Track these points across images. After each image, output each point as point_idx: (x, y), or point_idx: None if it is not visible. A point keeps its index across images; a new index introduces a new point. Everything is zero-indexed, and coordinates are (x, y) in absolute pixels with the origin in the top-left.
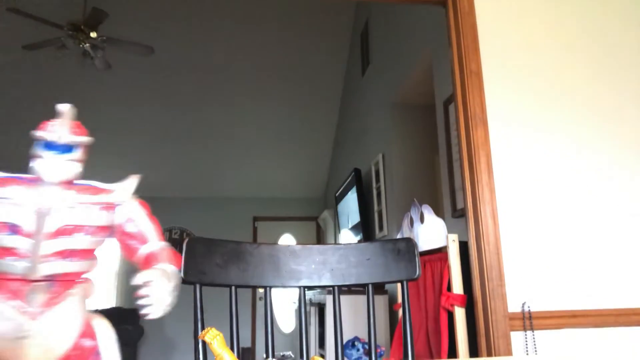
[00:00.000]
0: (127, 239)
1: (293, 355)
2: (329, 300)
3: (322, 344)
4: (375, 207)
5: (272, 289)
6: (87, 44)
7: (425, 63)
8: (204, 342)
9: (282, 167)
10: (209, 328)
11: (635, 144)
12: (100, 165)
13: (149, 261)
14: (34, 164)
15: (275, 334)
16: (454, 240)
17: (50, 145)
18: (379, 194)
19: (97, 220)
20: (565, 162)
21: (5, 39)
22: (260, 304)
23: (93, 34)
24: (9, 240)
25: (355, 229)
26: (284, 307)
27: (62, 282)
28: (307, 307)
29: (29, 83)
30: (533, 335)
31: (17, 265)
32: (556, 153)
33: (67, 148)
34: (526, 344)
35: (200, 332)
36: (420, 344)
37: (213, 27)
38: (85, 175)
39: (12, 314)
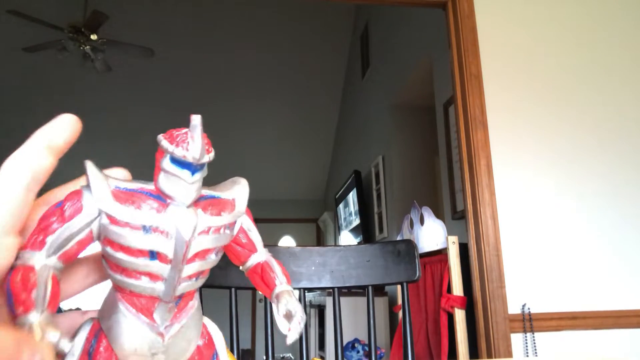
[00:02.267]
0: (238, 247)
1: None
2: (329, 302)
3: (322, 345)
4: (375, 209)
5: None
6: (88, 46)
7: (425, 65)
8: None
9: (282, 169)
10: None
11: (635, 148)
12: (100, 166)
13: (265, 275)
14: (166, 183)
15: (275, 335)
16: (453, 242)
17: (184, 164)
18: (378, 196)
19: (225, 241)
20: (565, 163)
21: (6, 42)
22: (260, 306)
23: (93, 37)
24: (148, 267)
25: (355, 230)
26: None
27: (186, 297)
28: (307, 309)
29: (29, 85)
30: (533, 336)
31: (154, 288)
32: (556, 155)
33: (201, 167)
34: (526, 346)
35: None
36: (421, 345)
37: (213, 30)
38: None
39: (146, 331)
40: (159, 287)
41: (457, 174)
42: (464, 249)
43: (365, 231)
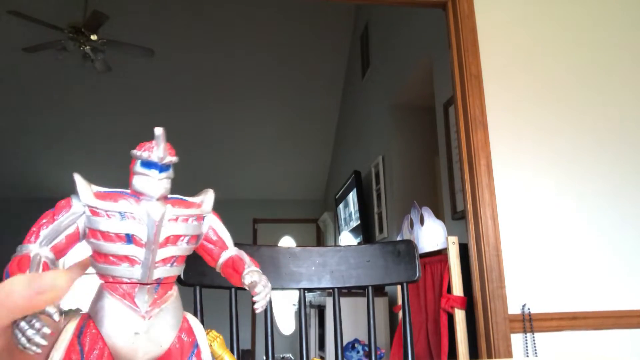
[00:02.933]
0: (210, 245)
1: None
2: (329, 302)
3: (322, 346)
4: (375, 209)
5: (272, 291)
6: (88, 47)
7: (425, 65)
8: None
9: (282, 169)
10: (208, 330)
11: (635, 148)
12: (100, 167)
13: (235, 264)
14: (138, 182)
15: (275, 336)
16: (453, 242)
17: (151, 165)
18: (378, 196)
19: (193, 230)
20: (565, 163)
21: (6, 42)
22: None
23: (93, 37)
24: (125, 249)
25: (355, 231)
26: (284, 309)
27: (165, 285)
28: (307, 309)
29: (29, 85)
30: (533, 337)
31: (132, 271)
32: (556, 155)
33: (166, 167)
34: (526, 346)
35: None
36: (421, 345)
37: (213, 30)
38: (84, 176)
39: (129, 313)
40: (137, 270)
41: (457, 174)
42: (464, 249)
43: (365, 231)
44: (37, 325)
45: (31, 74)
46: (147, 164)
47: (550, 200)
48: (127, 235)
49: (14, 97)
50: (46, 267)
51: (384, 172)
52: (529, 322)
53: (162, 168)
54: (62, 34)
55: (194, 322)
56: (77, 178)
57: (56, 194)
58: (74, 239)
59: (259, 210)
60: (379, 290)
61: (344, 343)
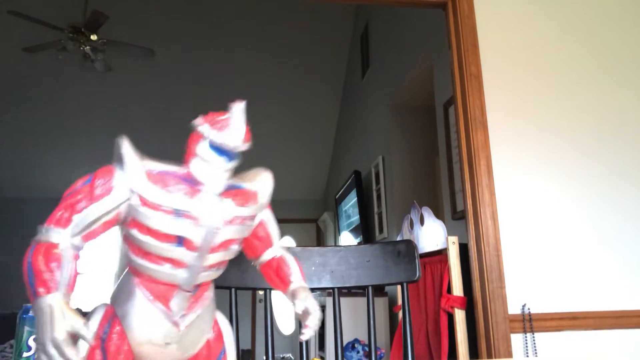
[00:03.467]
0: (256, 242)
1: (293, 357)
2: (329, 302)
3: (322, 346)
4: (375, 209)
5: (272, 291)
6: (88, 47)
7: (425, 65)
8: None
9: (282, 169)
10: None
11: (636, 148)
12: (100, 166)
13: (280, 271)
14: (200, 168)
15: (275, 336)
16: (454, 242)
17: (222, 152)
18: (378, 196)
19: (248, 232)
20: (566, 163)
21: (6, 42)
22: (260, 306)
23: (93, 37)
24: (174, 252)
25: (355, 231)
26: (284, 309)
27: (203, 286)
28: None
29: (29, 85)
30: (533, 337)
31: (176, 275)
32: (556, 156)
33: (236, 156)
34: (526, 346)
35: None
36: (421, 346)
37: (213, 30)
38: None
39: (162, 319)
40: (181, 274)
41: (457, 174)
42: (464, 249)
43: (365, 231)
44: (68, 354)
45: (31, 74)
46: (219, 150)
47: (551, 200)
48: (179, 237)
49: (14, 97)
50: (76, 266)
51: (384, 172)
52: (529, 322)
53: (233, 156)
54: (62, 34)
55: (224, 325)
56: (126, 148)
57: (57, 195)
58: (111, 224)
59: None
60: (379, 290)
61: (344, 343)
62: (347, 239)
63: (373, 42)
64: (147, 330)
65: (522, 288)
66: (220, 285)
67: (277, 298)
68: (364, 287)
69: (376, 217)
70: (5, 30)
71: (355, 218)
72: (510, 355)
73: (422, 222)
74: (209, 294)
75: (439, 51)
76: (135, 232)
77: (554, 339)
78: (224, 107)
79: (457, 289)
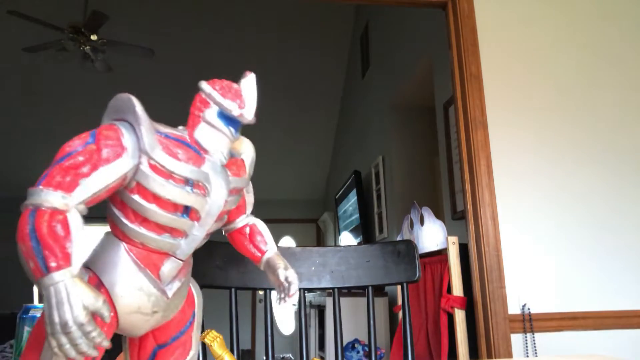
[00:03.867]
0: (237, 213)
1: (293, 358)
2: (328, 302)
3: (322, 346)
4: (375, 209)
5: (272, 291)
6: (88, 47)
7: (425, 65)
8: (203, 344)
9: (282, 169)
10: (208, 330)
11: (636, 147)
12: None
13: (253, 237)
14: (207, 136)
15: (275, 336)
16: (453, 243)
17: (232, 121)
18: (379, 196)
19: (237, 201)
20: (565, 164)
21: (6, 42)
22: (260, 306)
23: (93, 37)
24: (177, 222)
25: (355, 231)
26: (284, 309)
27: (188, 258)
28: (307, 309)
29: (29, 85)
30: (533, 337)
31: (173, 244)
32: (556, 156)
33: (240, 126)
34: (526, 346)
35: (200, 334)
36: (421, 345)
37: (213, 30)
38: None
39: (151, 289)
40: (179, 244)
41: (457, 175)
42: (464, 250)
43: (365, 231)
44: (94, 334)
45: (31, 73)
46: (228, 119)
47: (550, 200)
48: (186, 207)
49: (14, 96)
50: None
51: (384, 172)
52: (529, 322)
53: (239, 127)
54: (62, 34)
55: (195, 288)
56: (140, 108)
57: None
58: (114, 190)
59: (259, 210)
60: (379, 290)
61: (344, 343)
62: (347, 239)
63: (373, 42)
64: (136, 300)
65: (522, 288)
66: (220, 285)
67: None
68: (364, 287)
69: (376, 217)
70: (6, 30)
71: (355, 218)
72: (510, 355)
73: (422, 222)
74: (191, 260)
75: (439, 51)
76: (137, 198)
77: (554, 339)
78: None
79: (457, 289)
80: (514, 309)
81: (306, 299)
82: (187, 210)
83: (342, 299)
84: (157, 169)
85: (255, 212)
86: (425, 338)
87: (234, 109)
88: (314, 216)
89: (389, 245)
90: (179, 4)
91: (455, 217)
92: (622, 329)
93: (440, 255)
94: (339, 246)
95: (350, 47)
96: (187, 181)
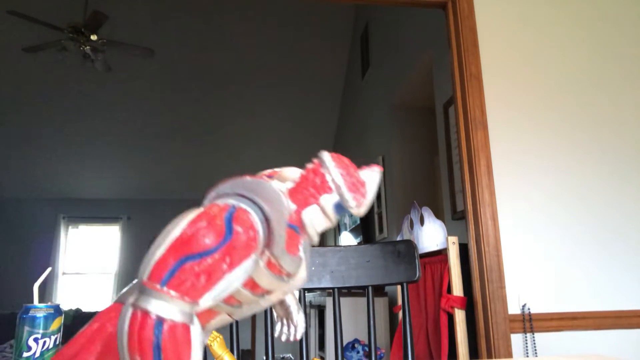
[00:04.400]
0: None
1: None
2: (328, 302)
3: (322, 346)
4: (375, 209)
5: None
6: (88, 47)
7: (425, 65)
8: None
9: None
10: None
11: (636, 148)
12: (101, 167)
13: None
14: (311, 217)
15: (275, 336)
16: (454, 243)
17: (342, 210)
18: (378, 196)
19: None
20: (565, 164)
21: (6, 42)
22: None
23: (93, 37)
24: (249, 298)
25: (355, 231)
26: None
27: None
28: (307, 309)
29: (29, 85)
30: (533, 337)
31: (232, 310)
32: (556, 156)
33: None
34: (526, 346)
35: None
36: (421, 345)
37: (213, 30)
38: (86, 176)
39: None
40: (240, 310)
41: (457, 175)
42: (464, 250)
43: (365, 231)
44: None
45: (31, 73)
46: (341, 209)
47: (551, 200)
48: (269, 290)
49: (14, 96)
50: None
51: (384, 172)
52: (529, 322)
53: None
54: (62, 34)
55: None
56: (281, 196)
57: (56, 195)
58: None
59: None
60: (379, 290)
61: (344, 343)
62: (347, 239)
63: (373, 42)
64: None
65: (522, 288)
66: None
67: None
68: (364, 287)
69: (376, 217)
70: (6, 30)
71: (355, 218)
72: (510, 355)
73: (422, 222)
74: None
75: (439, 51)
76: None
77: (554, 339)
78: (223, 107)
79: (457, 289)
80: (514, 309)
81: (306, 299)
82: (264, 294)
83: (342, 299)
84: (272, 265)
85: None
86: (425, 338)
87: (354, 206)
88: None
89: (389, 245)
90: (179, 4)
91: (455, 217)
92: (623, 329)
93: (440, 255)
94: (339, 246)
95: (350, 47)
96: (286, 274)
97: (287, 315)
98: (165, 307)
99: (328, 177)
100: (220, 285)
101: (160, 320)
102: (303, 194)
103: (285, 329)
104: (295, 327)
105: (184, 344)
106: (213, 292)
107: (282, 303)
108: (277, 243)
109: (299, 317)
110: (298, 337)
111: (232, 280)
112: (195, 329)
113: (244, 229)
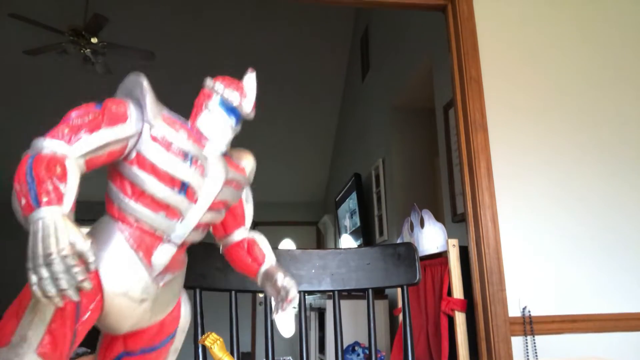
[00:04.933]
0: (229, 215)
1: None
2: (329, 305)
3: (322, 348)
4: (376, 212)
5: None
6: (88, 50)
7: (425, 68)
8: (203, 347)
9: (283, 172)
10: (208, 332)
11: (637, 150)
12: (100, 168)
13: (252, 250)
14: (206, 122)
15: (275, 338)
16: (454, 245)
17: (233, 110)
18: (379, 199)
19: (236, 199)
20: (566, 166)
21: (6, 44)
22: (260, 309)
23: (94, 40)
24: (174, 199)
25: (355, 233)
26: (284, 311)
27: (183, 247)
28: (307, 312)
29: (29, 88)
30: (533, 339)
31: (169, 225)
32: (556, 158)
33: (241, 121)
34: (526, 349)
35: (200, 337)
36: (421, 348)
37: (213, 33)
38: (85, 177)
39: (143, 272)
40: (174, 225)
41: (457, 177)
42: (464, 252)
43: (366, 234)
44: (76, 270)
45: (32, 76)
46: (229, 109)
47: (551, 202)
48: (184, 184)
49: (15, 99)
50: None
51: (384, 174)
52: (530, 325)
53: (239, 120)
54: (62, 36)
55: (186, 307)
56: (146, 84)
57: None
58: (114, 156)
59: (259, 213)
60: (379, 293)
61: (344, 346)
62: (348, 241)
63: (373, 45)
64: (125, 280)
65: (522, 291)
66: (220, 288)
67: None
68: (364, 290)
69: (376, 219)
70: (7, 32)
71: (356, 221)
72: (510, 357)
73: (422, 224)
74: (185, 258)
75: (439, 53)
76: (136, 169)
77: (555, 342)
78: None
79: (458, 292)
80: (514, 311)
81: (306, 302)
82: (184, 188)
83: (343, 302)
84: (157, 139)
85: (256, 215)
86: (426, 341)
87: (235, 99)
88: (314, 219)
89: (389, 247)
90: (179, 7)
91: (456, 219)
92: (623, 331)
93: (441, 257)
94: (339, 249)
95: (351, 49)
96: (186, 155)
97: (276, 287)
98: (39, 146)
99: (207, 88)
100: (94, 135)
101: (34, 154)
102: (194, 110)
103: (279, 300)
104: (287, 291)
105: (56, 167)
106: (86, 138)
107: (269, 280)
108: (153, 116)
109: (285, 281)
110: (290, 296)
111: (104, 133)
112: (70, 162)
113: (113, 103)
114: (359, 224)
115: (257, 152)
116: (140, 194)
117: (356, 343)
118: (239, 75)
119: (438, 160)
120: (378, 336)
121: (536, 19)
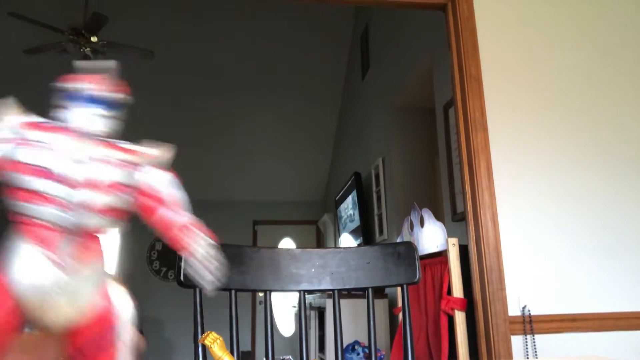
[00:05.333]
0: (145, 199)
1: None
2: (329, 304)
3: (322, 347)
4: (376, 211)
5: (272, 293)
6: (88, 48)
7: (425, 67)
8: (203, 346)
9: (282, 171)
10: (208, 332)
11: (637, 149)
12: None
13: (170, 227)
14: (65, 115)
15: (275, 337)
16: (454, 244)
17: (93, 100)
18: (379, 198)
19: (130, 179)
20: (566, 165)
21: (6, 43)
22: (260, 308)
23: (94, 38)
24: (39, 184)
25: (355, 232)
26: (284, 310)
27: (93, 237)
28: (307, 311)
29: (29, 87)
30: (533, 338)
31: (53, 213)
32: (556, 157)
33: (94, 102)
34: (526, 348)
35: (200, 336)
36: (421, 347)
37: (213, 31)
38: None
39: (47, 262)
40: (59, 213)
41: (457, 176)
42: (464, 251)
43: (366, 233)
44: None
45: (31, 75)
46: (70, 97)
47: (551, 201)
48: (41, 169)
49: (14, 98)
50: None
51: (384, 173)
52: (529, 324)
53: (89, 101)
54: (62, 35)
55: (119, 297)
56: (3, 105)
57: None
58: None
59: (259, 212)
60: (379, 292)
61: (344, 345)
62: (347, 240)
63: (373, 43)
64: (30, 275)
65: (522, 290)
66: (220, 287)
67: (278, 300)
68: (364, 289)
69: (376, 218)
70: (6, 31)
71: (356, 220)
72: (510, 356)
73: (422, 223)
74: (100, 247)
75: (439, 52)
76: (6, 173)
77: (554, 341)
78: (223, 108)
79: (457, 291)
80: (514, 310)
81: (306, 301)
82: (44, 172)
83: (342, 301)
84: (16, 140)
85: (256, 214)
86: (425, 340)
87: (92, 86)
88: (314, 218)
89: (389, 246)
90: (179, 6)
91: (455, 218)
92: (623, 330)
93: (440, 256)
94: (339, 248)
95: (350, 49)
96: (37, 144)
97: (193, 261)
98: None
99: (62, 87)
100: None
101: None
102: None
103: (202, 271)
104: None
105: None
106: None
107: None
108: (12, 124)
109: (195, 246)
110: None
111: None
112: None
113: None
114: (358, 223)
115: (257, 151)
116: (25, 193)
117: (356, 342)
118: (239, 75)
119: (438, 160)
120: (378, 335)
121: (536, 18)
